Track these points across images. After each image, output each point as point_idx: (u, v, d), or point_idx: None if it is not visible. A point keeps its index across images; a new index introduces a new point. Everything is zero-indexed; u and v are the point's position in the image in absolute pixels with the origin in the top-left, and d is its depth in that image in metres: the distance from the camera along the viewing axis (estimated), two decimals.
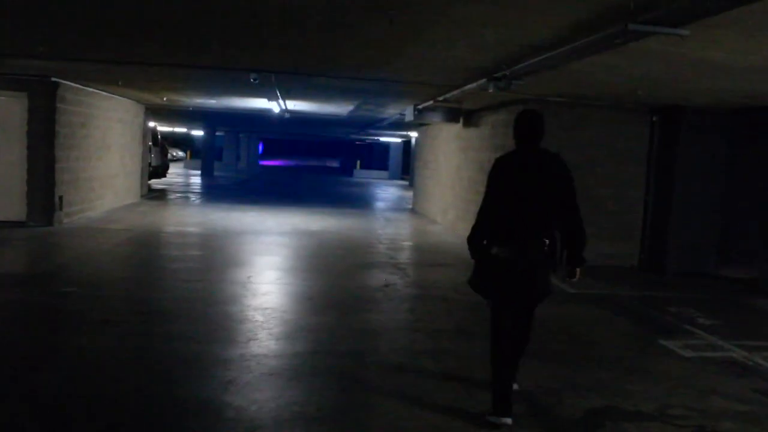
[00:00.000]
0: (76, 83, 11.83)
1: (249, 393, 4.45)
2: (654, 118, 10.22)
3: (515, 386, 4.41)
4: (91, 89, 12.77)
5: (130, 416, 4.03)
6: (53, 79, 11.14)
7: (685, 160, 9.87)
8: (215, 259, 9.41)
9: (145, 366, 4.90)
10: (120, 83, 11.79)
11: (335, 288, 7.94)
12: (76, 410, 4.07)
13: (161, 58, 8.63)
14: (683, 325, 6.94)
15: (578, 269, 4.25)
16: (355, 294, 7.70)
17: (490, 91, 7.66)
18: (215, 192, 22.51)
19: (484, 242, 4.21)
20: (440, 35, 5.83)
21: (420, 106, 12.40)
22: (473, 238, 4.28)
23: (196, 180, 28.58)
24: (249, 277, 8.25)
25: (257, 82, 9.24)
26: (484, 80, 7.75)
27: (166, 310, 6.58)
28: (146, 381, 4.59)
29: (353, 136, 35.11)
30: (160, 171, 22.39)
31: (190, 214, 15.28)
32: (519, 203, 4.11)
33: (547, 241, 4.10)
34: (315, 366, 5.07)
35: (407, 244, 12.52)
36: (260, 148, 51.04)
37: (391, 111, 15.64)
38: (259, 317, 6.37)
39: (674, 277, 9.76)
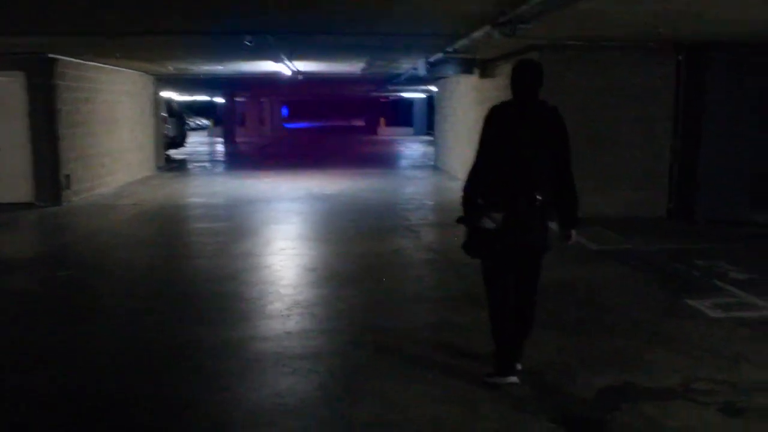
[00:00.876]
0: (74, 59, 11.47)
1: (227, 383, 4.10)
2: (680, 57, 9.46)
3: (518, 366, 4.03)
4: (92, 64, 12.40)
5: (82, 412, 3.72)
6: (50, 55, 10.81)
7: (714, 100, 9.12)
8: (220, 233, 9.06)
9: (122, 358, 4.58)
10: (118, 55, 11.39)
11: (341, 256, 7.55)
12: (32, 410, 3.78)
13: (150, 26, 8.21)
14: (713, 280, 6.38)
15: (573, 231, 3.95)
16: (361, 262, 7.29)
17: (496, 37, 7.04)
18: (234, 159, 22.23)
19: (479, 201, 3.93)
20: None
21: (431, 59, 11.75)
22: (468, 200, 3.98)
23: (218, 148, 28.31)
24: (250, 250, 7.91)
25: (252, 44, 8.80)
26: (488, 27, 7.13)
27: (159, 292, 6.27)
28: (114, 375, 4.28)
29: (375, 94, 34.37)
30: (178, 141, 22.14)
31: (202, 184, 15.01)
32: (512, 154, 3.82)
33: (540, 197, 3.78)
34: (304, 347, 4.71)
35: (423, 203, 12.04)
36: (284, 111, 50.57)
37: (405, 66, 14.96)
38: (254, 294, 6.05)
39: (705, 226, 9.11)
